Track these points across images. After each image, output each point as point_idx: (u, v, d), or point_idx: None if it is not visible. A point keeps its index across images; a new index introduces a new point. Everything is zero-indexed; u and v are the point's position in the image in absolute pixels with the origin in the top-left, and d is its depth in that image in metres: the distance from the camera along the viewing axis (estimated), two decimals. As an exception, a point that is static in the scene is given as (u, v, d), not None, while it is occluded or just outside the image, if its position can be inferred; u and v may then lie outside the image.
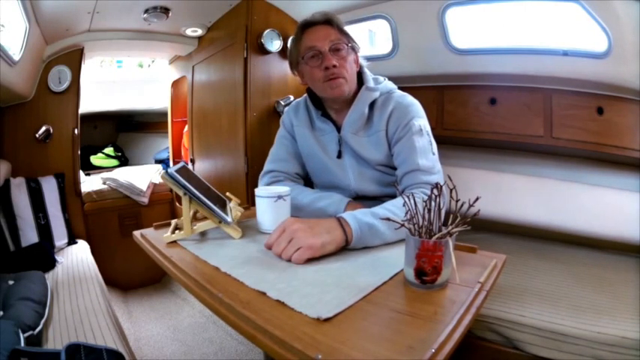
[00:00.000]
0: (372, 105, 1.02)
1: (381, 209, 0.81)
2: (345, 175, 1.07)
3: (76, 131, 2.15)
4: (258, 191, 0.86)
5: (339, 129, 1.06)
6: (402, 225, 0.61)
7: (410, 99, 1.03)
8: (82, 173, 2.38)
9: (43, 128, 2.02)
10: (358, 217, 0.76)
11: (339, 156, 1.07)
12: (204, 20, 2.07)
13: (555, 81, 1.42)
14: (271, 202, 0.84)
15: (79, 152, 2.21)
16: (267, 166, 1.13)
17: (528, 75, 1.47)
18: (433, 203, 0.59)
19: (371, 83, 1.03)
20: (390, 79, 1.09)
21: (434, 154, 0.98)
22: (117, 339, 1.07)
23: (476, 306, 0.54)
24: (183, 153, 2.87)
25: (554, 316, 1.01)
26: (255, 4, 1.76)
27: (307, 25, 1.01)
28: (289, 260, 0.69)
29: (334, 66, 0.96)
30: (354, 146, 1.03)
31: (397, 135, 0.98)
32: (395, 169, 1.01)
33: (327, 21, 0.99)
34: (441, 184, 0.90)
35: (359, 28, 1.78)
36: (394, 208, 0.82)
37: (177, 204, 2.57)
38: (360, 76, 1.05)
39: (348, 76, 0.99)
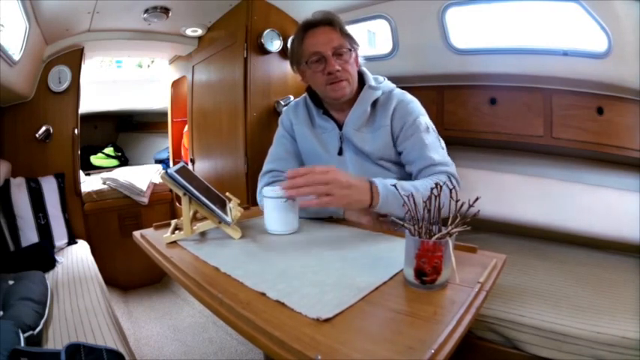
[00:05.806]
0: (374, 103, 1.05)
1: (408, 185, 0.88)
2: (345, 171, 1.08)
3: (76, 131, 2.15)
4: (266, 192, 0.85)
5: (340, 126, 1.08)
6: (402, 225, 0.61)
7: (409, 96, 1.07)
8: (82, 173, 2.38)
9: (43, 128, 2.02)
10: (389, 187, 0.85)
11: (340, 153, 1.08)
12: (204, 20, 2.07)
13: (555, 81, 1.42)
14: (280, 202, 0.84)
15: (79, 152, 2.21)
16: (266, 166, 1.14)
17: (528, 75, 1.46)
18: (433, 203, 0.59)
19: (373, 82, 1.06)
20: (390, 79, 1.11)
21: (443, 148, 1.03)
22: (117, 339, 1.07)
23: (476, 306, 0.54)
24: (183, 153, 2.87)
25: (554, 316, 1.01)
26: (255, 4, 1.76)
27: (309, 27, 1.02)
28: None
29: (338, 70, 0.99)
30: (356, 142, 1.05)
31: (404, 133, 1.02)
32: (396, 164, 1.05)
33: (329, 22, 1.01)
34: (456, 175, 0.99)
35: (359, 28, 1.78)
36: (420, 186, 0.88)
37: (177, 204, 2.57)
38: (361, 75, 1.08)
39: (351, 77, 1.02)
